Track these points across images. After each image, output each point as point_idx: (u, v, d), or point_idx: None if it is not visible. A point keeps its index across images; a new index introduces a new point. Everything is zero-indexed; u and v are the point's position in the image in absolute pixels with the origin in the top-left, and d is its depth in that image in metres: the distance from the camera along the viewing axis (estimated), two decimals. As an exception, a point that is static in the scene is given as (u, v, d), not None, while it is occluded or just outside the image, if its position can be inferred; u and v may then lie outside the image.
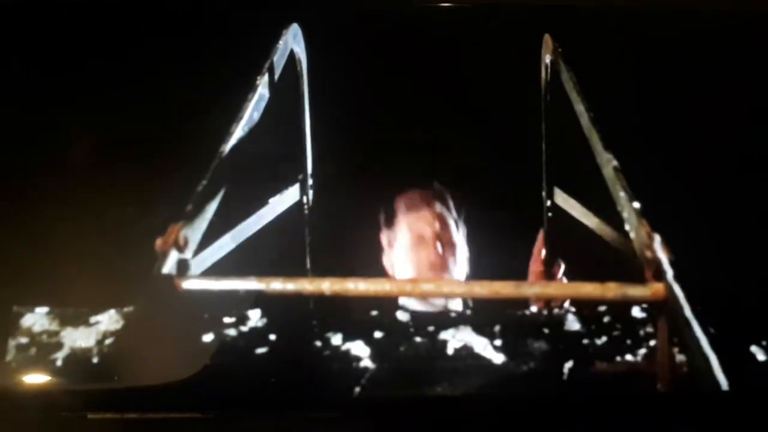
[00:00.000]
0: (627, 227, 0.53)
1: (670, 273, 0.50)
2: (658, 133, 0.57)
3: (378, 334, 0.49)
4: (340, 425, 0.53)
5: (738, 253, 0.54)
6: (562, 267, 0.57)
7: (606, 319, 0.50)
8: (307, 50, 0.59)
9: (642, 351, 0.49)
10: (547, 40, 0.59)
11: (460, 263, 0.62)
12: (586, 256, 0.55)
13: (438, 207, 0.64)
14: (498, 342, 0.49)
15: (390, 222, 0.64)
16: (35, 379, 0.47)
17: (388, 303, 0.53)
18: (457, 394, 0.49)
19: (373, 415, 0.52)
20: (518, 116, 0.59)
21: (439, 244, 0.62)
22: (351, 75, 0.60)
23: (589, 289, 0.51)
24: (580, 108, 0.56)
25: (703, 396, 0.50)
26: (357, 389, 0.48)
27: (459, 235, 0.63)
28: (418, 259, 0.62)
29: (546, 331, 0.50)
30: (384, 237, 0.63)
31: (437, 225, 0.63)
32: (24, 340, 0.48)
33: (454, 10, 0.63)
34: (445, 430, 0.54)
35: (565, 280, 0.56)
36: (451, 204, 0.63)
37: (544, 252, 0.58)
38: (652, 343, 0.49)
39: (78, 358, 0.48)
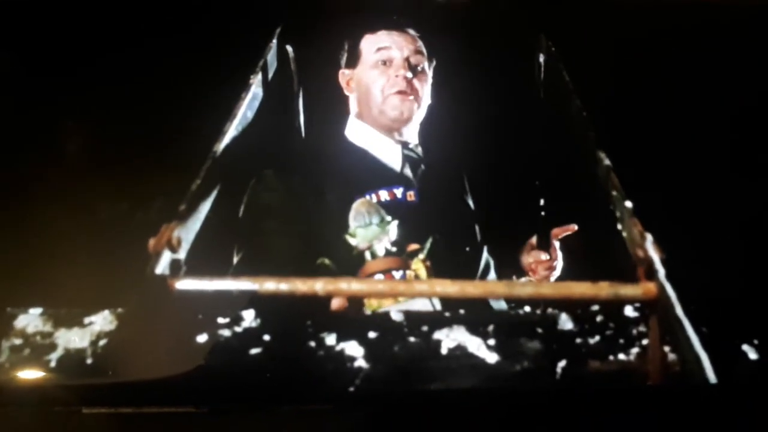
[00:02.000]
0: (619, 226, 0.53)
1: (661, 272, 0.51)
2: (650, 132, 0.58)
3: (372, 334, 0.49)
4: (333, 419, 0.54)
5: (729, 252, 0.54)
6: (558, 259, 0.57)
7: (599, 318, 0.50)
8: (299, 48, 0.59)
9: (634, 350, 0.49)
10: (541, 39, 0.59)
11: (425, 98, 0.61)
12: (579, 254, 0.55)
13: (409, 36, 0.62)
14: (491, 341, 0.49)
15: (354, 58, 0.61)
16: (30, 375, 0.47)
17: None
18: (450, 389, 0.49)
19: (366, 408, 0.52)
20: (511, 113, 0.59)
21: (408, 69, 0.60)
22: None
23: (581, 288, 0.51)
24: (573, 106, 0.57)
25: (693, 390, 0.51)
26: (351, 388, 0.48)
27: (428, 69, 0.61)
28: (386, 80, 0.60)
29: (539, 330, 0.50)
30: (343, 74, 0.61)
31: (408, 49, 0.61)
32: (18, 341, 0.48)
33: (448, 5, 0.63)
34: (438, 424, 0.55)
35: (559, 265, 0.56)
36: (421, 43, 0.62)
37: (535, 244, 0.58)
38: (645, 341, 0.50)
39: (72, 357, 0.47)
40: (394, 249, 0.55)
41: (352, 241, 0.54)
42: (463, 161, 0.59)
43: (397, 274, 0.54)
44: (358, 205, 0.56)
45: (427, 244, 0.55)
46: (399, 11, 0.60)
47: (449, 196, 0.59)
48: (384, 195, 0.57)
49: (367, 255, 0.55)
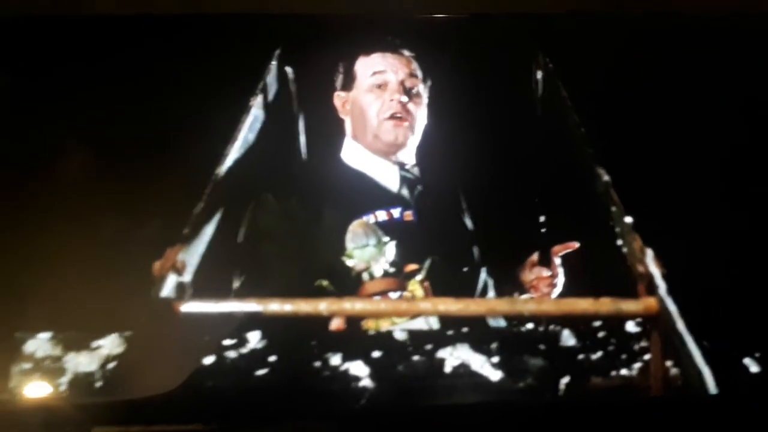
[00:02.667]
0: (619, 242, 0.54)
1: (662, 287, 0.51)
2: (648, 147, 0.58)
3: (376, 354, 0.50)
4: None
5: (729, 266, 0.55)
6: (559, 276, 0.57)
7: (601, 333, 0.51)
8: (298, 70, 0.60)
9: (636, 364, 0.50)
10: (539, 56, 0.59)
11: (420, 121, 0.61)
12: (580, 270, 0.55)
13: (404, 58, 0.61)
14: (495, 358, 0.50)
15: (349, 80, 0.61)
16: (40, 396, 0.48)
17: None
18: (454, 404, 0.49)
19: (371, 424, 0.53)
20: (509, 131, 0.59)
21: (403, 93, 0.60)
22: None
23: (583, 305, 0.52)
24: (571, 123, 0.57)
25: (695, 403, 0.51)
26: (355, 405, 0.49)
27: (424, 92, 0.61)
28: (380, 104, 0.60)
29: (542, 346, 0.50)
30: (338, 96, 0.61)
31: (402, 72, 0.61)
32: (27, 364, 0.49)
33: (448, 21, 0.63)
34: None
35: (560, 282, 0.57)
36: (416, 65, 0.61)
37: (536, 261, 0.59)
38: (646, 356, 0.50)
39: (81, 379, 0.48)
40: (392, 270, 0.55)
41: (350, 262, 0.55)
42: (460, 180, 0.59)
43: (394, 296, 0.54)
44: (354, 227, 0.56)
45: (426, 265, 0.56)
46: (394, 32, 0.61)
47: (447, 215, 0.59)
48: (381, 215, 0.57)
49: (365, 276, 0.55)
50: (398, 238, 0.56)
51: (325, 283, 0.54)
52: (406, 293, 0.55)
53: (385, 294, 0.54)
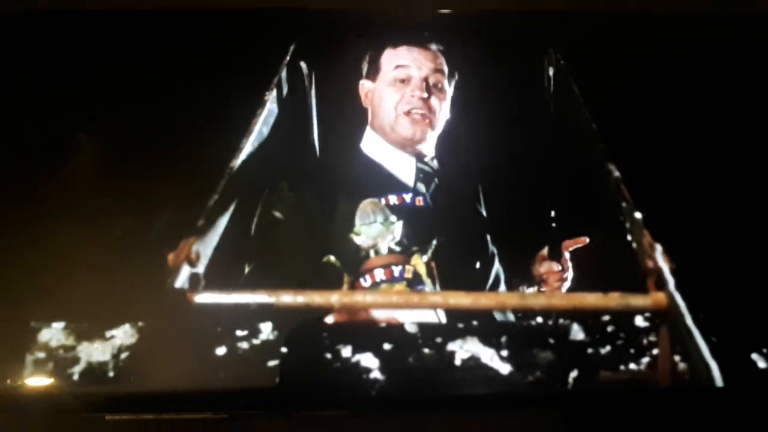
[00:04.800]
0: (629, 237, 0.54)
1: (671, 282, 0.52)
2: (658, 144, 0.58)
3: (387, 346, 0.50)
4: (350, 425, 0.55)
5: (738, 262, 0.55)
6: (569, 270, 0.58)
7: (610, 328, 0.51)
8: (313, 65, 0.60)
9: (645, 359, 0.50)
10: (550, 53, 0.60)
11: (442, 117, 0.61)
12: (589, 265, 0.56)
13: (430, 53, 0.61)
14: (504, 352, 0.50)
15: (374, 71, 0.61)
16: (55, 384, 0.49)
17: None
18: (464, 395, 0.50)
19: (383, 413, 0.53)
20: (524, 127, 0.60)
21: (425, 90, 0.60)
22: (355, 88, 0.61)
23: (592, 299, 0.52)
24: (582, 120, 0.58)
25: (703, 398, 0.51)
26: (367, 393, 0.49)
27: (448, 87, 0.61)
28: (400, 97, 0.60)
29: (551, 340, 0.51)
30: (362, 85, 0.61)
31: (427, 68, 0.61)
32: (42, 353, 0.49)
33: (455, 17, 0.63)
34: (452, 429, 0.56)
35: (570, 276, 0.57)
36: (443, 59, 0.61)
37: (546, 255, 0.59)
38: (655, 351, 0.50)
39: (95, 368, 0.49)
40: (398, 249, 0.56)
41: (357, 239, 0.55)
42: (477, 174, 0.59)
43: (397, 269, 0.55)
44: (363, 205, 0.57)
45: (432, 245, 0.56)
46: (409, 27, 0.61)
47: (461, 206, 0.60)
48: (393, 199, 0.58)
49: (372, 253, 0.56)
50: (407, 220, 0.57)
51: (332, 258, 0.55)
52: (408, 267, 0.55)
53: (388, 267, 0.55)
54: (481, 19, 0.63)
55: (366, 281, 0.55)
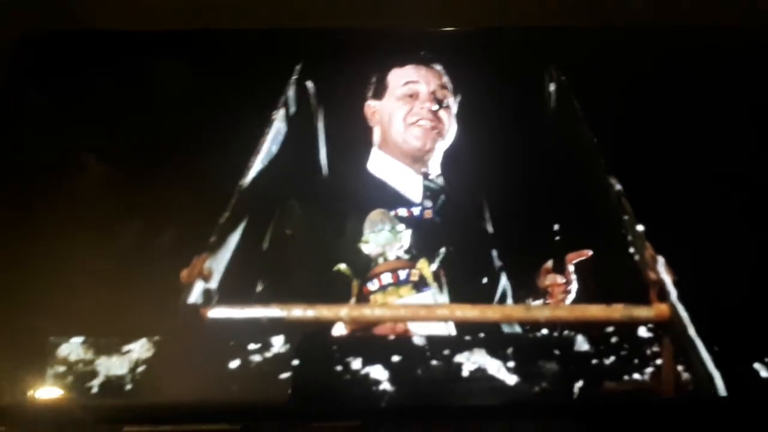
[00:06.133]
0: (631, 249, 0.55)
1: (673, 293, 0.53)
2: (659, 157, 0.59)
3: (395, 358, 0.51)
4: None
5: (740, 273, 0.56)
6: (573, 283, 0.59)
7: (613, 339, 0.52)
8: (320, 84, 0.62)
9: (648, 369, 0.51)
10: (551, 68, 0.61)
11: (450, 131, 0.62)
12: (593, 277, 0.57)
13: (435, 71, 0.63)
14: (510, 363, 0.51)
15: (381, 90, 0.63)
16: (74, 397, 0.50)
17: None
18: (471, 405, 0.51)
19: (393, 424, 0.54)
20: (526, 142, 0.61)
21: (434, 102, 0.62)
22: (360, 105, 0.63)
23: (596, 311, 0.53)
24: (584, 134, 0.59)
25: (706, 405, 0.52)
26: (378, 404, 0.50)
27: (453, 103, 0.63)
28: (409, 109, 0.62)
29: (556, 351, 0.52)
30: (369, 106, 0.63)
31: (434, 84, 0.62)
32: (62, 367, 0.51)
33: (459, 35, 0.65)
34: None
35: (574, 288, 0.58)
36: (447, 78, 0.63)
37: (551, 268, 0.60)
38: (658, 361, 0.51)
39: (112, 381, 0.50)
40: (405, 256, 0.57)
41: (365, 248, 0.57)
42: (482, 189, 0.61)
43: (403, 273, 0.56)
44: (372, 215, 0.58)
45: (440, 253, 0.57)
46: (413, 45, 0.62)
47: (467, 221, 0.61)
48: (402, 212, 0.59)
49: (380, 260, 0.57)
50: (415, 230, 0.58)
51: (343, 267, 0.56)
52: (413, 270, 0.57)
53: (394, 271, 0.56)
54: (483, 36, 0.65)
55: (373, 285, 0.56)
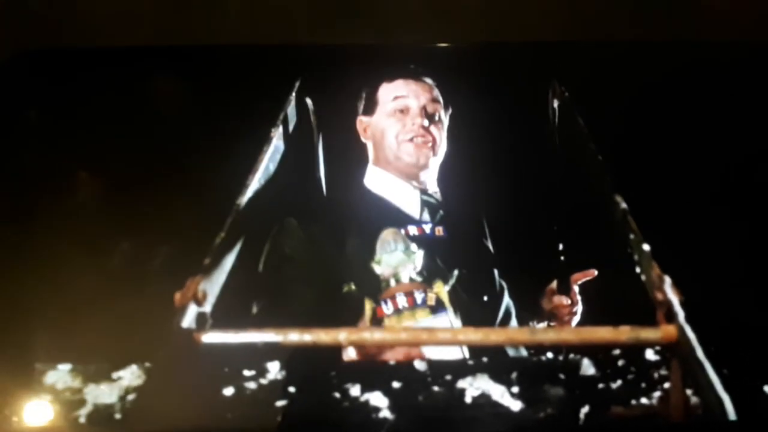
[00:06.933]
0: (638, 269, 0.54)
1: (681, 315, 0.51)
2: (665, 174, 0.58)
3: (396, 384, 0.50)
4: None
5: (748, 293, 0.55)
6: (578, 304, 0.57)
7: (620, 362, 0.51)
8: (318, 100, 0.60)
9: (656, 393, 0.50)
10: (554, 84, 0.60)
11: (442, 145, 0.61)
12: (599, 298, 0.55)
13: (426, 84, 0.62)
14: (515, 388, 0.50)
15: (371, 105, 0.62)
16: (61, 428, 0.48)
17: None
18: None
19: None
20: (528, 159, 0.60)
21: (425, 117, 0.61)
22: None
23: (602, 333, 0.51)
24: (588, 151, 0.58)
25: (716, 430, 0.51)
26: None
27: (445, 117, 0.62)
28: (401, 126, 0.61)
29: (562, 376, 0.50)
30: (360, 121, 0.62)
31: (424, 98, 0.61)
32: (48, 396, 0.49)
33: (454, 50, 0.64)
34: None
35: (579, 310, 0.57)
36: (438, 92, 0.62)
37: (555, 289, 0.59)
38: (666, 384, 0.50)
39: (101, 411, 0.48)
40: (418, 279, 0.55)
41: (377, 269, 0.55)
42: (482, 206, 0.59)
43: (419, 296, 0.54)
44: (385, 234, 0.57)
45: (454, 275, 0.56)
46: (412, 61, 0.61)
47: (467, 239, 0.60)
48: (413, 230, 0.58)
49: (392, 282, 0.55)
50: (427, 250, 0.57)
51: (353, 287, 0.55)
52: (430, 294, 0.55)
53: (410, 294, 0.55)
54: (482, 51, 0.64)
55: (388, 308, 0.55)
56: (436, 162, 0.61)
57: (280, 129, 0.58)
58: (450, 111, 0.62)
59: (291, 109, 0.59)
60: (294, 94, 0.60)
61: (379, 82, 0.62)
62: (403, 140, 0.61)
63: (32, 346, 0.50)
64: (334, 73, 0.61)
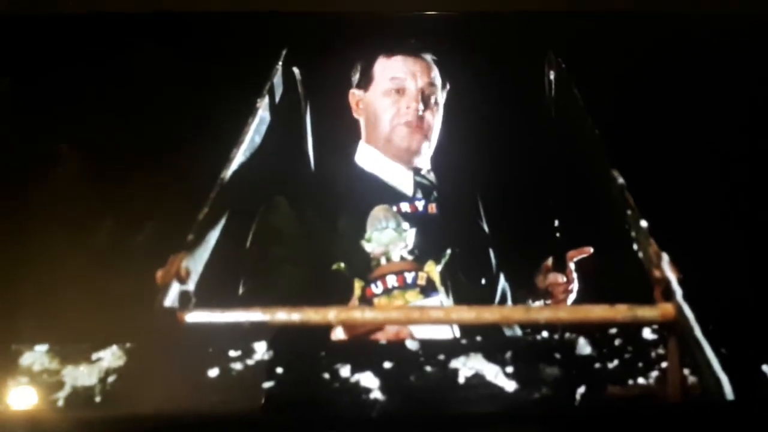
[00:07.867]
0: (635, 246, 0.53)
1: (678, 293, 0.50)
2: (664, 149, 0.57)
3: (387, 364, 0.48)
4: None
5: (747, 271, 0.54)
6: (574, 282, 0.56)
7: (617, 341, 0.50)
8: (306, 70, 0.58)
9: (654, 372, 0.49)
10: (551, 56, 0.58)
11: (435, 131, 0.60)
12: (595, 276, 0.54)
13: (425, 63, 0.60)
14: (509, 368, 0.48)
15: (366, 80, 0.60)
16: (38, 411, 0.46)
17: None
18: (468, 413, 0.48)
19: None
20: (523, 133, 0.58)
21: (420, 102, 0.59)
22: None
23: (599, 311, 0.50)
24: (585, 124, 0.56)
25: (714, 410, 0.50)
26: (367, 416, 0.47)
27: (441, 99, 0.60)
28: (396, 110, 0.59)
29: (557, 355, 0.49)
30: (353, 94, 0.60)
31: (422, 80, 0.59)
32: (24, 378, 0.47)
33: (449, 19, 0.62)
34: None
35: (575, 288, 0.55)
36: (437, 71, 0.60)
37: (551, 266, 0.57)
38: (664, 364, 0.49)
39: (80, 393, 0.46)
40: (410, 257, 0.54)
41: (367, 247, 0.53)
42: (476, 184, 0.58)
43: (410, 276, 0.53)
44: (376, 211, 0.55)
45: (446, 255, 0.54)
46: (403, 31, 0.59)
47: (461, 218, 0.58)
48: (405, 207, 0.56)
49: (383, 261, 0.54)
50: (419, 228, 0.55)
51: (342, 266, 0.53)
52: (421, 273, 0.53)
53: (400, 274, 0.53)
54: (477, 21, 0.62)
55: (377, 288, 0.53)
56: (428, 147, 0.59)
57: (266, 100, 0.56)
58: (447, 88, 0.59)
59: (278, 79, 0.57)
60: (281, 63, 0.57)
61: (375, 55, 0.60)
62: (397, 123, 0.59)
63: (8, 326, 0.48)
64: (324, 43, 0.59)
